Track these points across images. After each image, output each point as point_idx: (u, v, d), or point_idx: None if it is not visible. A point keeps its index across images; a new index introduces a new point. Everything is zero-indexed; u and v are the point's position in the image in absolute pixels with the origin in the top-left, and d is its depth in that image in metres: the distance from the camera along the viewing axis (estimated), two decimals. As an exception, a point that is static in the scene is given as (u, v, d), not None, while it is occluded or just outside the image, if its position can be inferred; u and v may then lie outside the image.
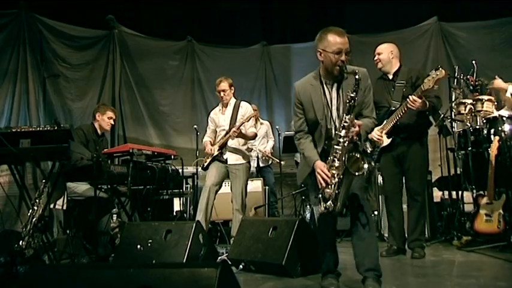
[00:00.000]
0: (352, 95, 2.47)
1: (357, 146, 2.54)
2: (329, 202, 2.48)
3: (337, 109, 2.62)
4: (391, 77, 3.90)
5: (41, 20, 6.90)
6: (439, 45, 7.60)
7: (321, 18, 8.22)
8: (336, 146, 2.50)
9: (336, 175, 2.48)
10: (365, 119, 2.63)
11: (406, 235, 3.88)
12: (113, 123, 4.67)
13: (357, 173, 2.43)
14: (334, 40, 2.55)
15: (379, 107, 3.73)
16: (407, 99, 3.59)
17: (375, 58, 3.95)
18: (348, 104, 2.48)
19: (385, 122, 3.79)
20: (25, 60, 6.68)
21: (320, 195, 2.53)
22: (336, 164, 2.48)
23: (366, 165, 2.44)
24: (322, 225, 2.76)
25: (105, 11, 7.44)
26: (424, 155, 3.86)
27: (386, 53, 3.90)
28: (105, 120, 4.56)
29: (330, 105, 2.64)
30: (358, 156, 2.46)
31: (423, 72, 3.85)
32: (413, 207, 3.82)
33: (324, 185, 2.51)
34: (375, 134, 3.76)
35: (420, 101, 3.55)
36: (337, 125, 2.57)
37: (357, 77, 2.47)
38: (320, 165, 2.55)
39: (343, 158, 2.45)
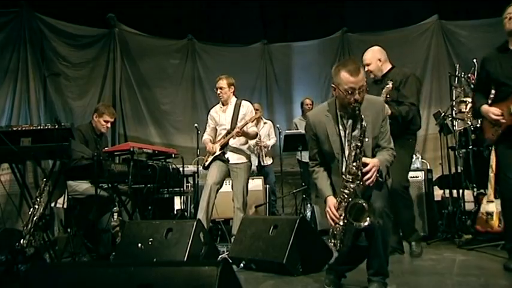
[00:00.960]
0: (358, 144, 2.43)
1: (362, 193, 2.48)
2: (335, 241, 2.48)
3: (348, 145, 2.57)
4: (381, 78, 3.82)
5: (41, 19, 6.90)
6: (440, 44, 7.60)
7: (321, 17, 8.23)
8: (342, 190, 2.47)
9: (342, 216, 2.46)
10: (383, 152, 2.58)
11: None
12: (109, 126, 4.60)
13: (357, 224, 2.39)
14: (347, 79, 2.46)
15: None
16: None
17: (365, 70, 3.79)
18: (354, 152, 2.44)
19: None
20: (26, 59, 6.69)
21: (330, 230, 2.53)
22: (343, 205, 2.46)
23: (368, 218, 2.37)
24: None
25: (105, 10, 7.45)
26: (404, 154, 3.70)
27: (375, 62, 3.81)
28: (101, 122, 4.53)
29: (345, 139, 2.58)
30: (364, 205, 2.39)
31: (410, 77, 3.74)
32: (402, 205, 3.77)
33: (332, 223, 2.50)
34: None
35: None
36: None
37: (364, 123, 2.42)
38: (330, 203, 2.53)
39: (347, 206, 2.43)
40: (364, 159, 2.46)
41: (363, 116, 2.45)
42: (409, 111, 3.66)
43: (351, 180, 2.45)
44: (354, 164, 2.44)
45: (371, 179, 2.43)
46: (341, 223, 2.46)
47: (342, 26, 8.13)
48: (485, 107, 3.21)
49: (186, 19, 8.27)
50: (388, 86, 3.62)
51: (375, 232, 2.46)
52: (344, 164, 2.54)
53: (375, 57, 3.83)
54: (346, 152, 2.54)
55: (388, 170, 2.59)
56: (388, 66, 3.85)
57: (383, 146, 2.61)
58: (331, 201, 2.54)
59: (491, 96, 3.34)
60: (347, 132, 2.57)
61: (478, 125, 4.64)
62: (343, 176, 2.48)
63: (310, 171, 2.79)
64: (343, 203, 2.47)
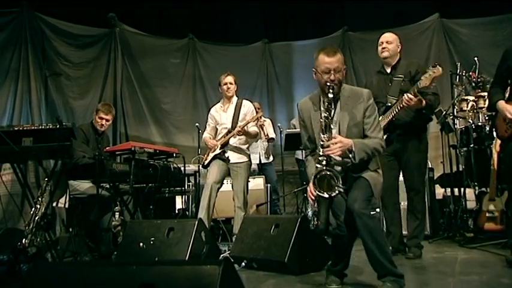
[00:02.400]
0: (325, 114, 2.51)
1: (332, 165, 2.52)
2: (315, 219, 2.51)
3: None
4: (389, 70, 3.74)
5: (42, 19, 6.91)
6: (441, 42, 7.58)
7: (322, 16, 8.22)
8: (317, 165, 2.51)
9: (316, 195, 2.50)
10: (367, 139, 2.60)
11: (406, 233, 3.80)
12: (104, 123, 4.59)
13: (326, 194, 2.44)
14: (323, 60, 2.58)
15: (375, 102, 3.62)
16: (403, 97, 3.44)
17: (383, 46, 3.74)
18: (323, 123, 2.51)
19: (380, 118, 3.58)
20: (27, 59, 6.69)
21: (311, 210, 2.58)
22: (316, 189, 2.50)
23: (339, 185, 2.42)
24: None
25: (106, 9, 7.45)
26: (422, 151, 3.70)
27: (396, 44, 3.76)
28: (96, 119, 4.53)
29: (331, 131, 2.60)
30: (331, 175, 2.44)
31: (423, 66, 3.69)
32: (412, 205, 3.72)
33: (311, 202, 2.55)
34: None
35: (416, 99, 3.41)
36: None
37: (330, 95, 2.50)
38: (310, 185, 2.55)
39: (315, 178, 2.46)
40: (335, 134, 2.52)
41: (332, 91, 2.52)
42: (436, 100, 3.64)
43: (321, 154, 2.50)
44: (324, 136, 2.49)
45: (331, 151, 2.45)
46: (316, 201, 2.50)
47: (342, 25, 8.12)
48: (502, 103, 3.11)
49: (186, 18, 8.27)
50: (402, 79, 3.57)
51: (360, 234, 2.47)
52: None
53: (397, 40, 3.80)
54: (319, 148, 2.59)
55: (368, 156, 2.56)
56: (398, 57, 3.77)
57: (370, 137, 2.61)
58: (311, 184, 2.55)
59: (508, 89, 3.24)
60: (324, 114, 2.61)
61: (480, 123, 4.65)
62: (317, 151, 2.55)
63: (306, 162, 2.83)
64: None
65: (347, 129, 2.59)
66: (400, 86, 3.62)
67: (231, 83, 4.54)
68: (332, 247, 2.77)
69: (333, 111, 2.59)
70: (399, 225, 3.81)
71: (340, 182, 2.44)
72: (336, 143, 2.47)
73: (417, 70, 3.63)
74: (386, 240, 2.60)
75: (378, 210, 4.82)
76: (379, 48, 3.78)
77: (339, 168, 2.58)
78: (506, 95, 3.19)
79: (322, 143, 2.50)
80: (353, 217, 2.47)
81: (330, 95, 2.53)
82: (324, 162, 2.48)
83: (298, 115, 2.81)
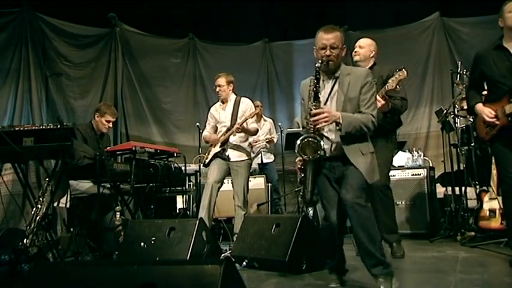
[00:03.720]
0: (313, 82, 2.56)
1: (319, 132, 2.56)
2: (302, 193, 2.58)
3: (325, 105, 2.64)
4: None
5: (43, 19, 6.91)
6: (442, 41, 7.57)
7: (322, 14, 8.20)
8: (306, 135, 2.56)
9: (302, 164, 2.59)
10: (358, 114, 2.61)
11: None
12: (110, 126, 4.60)
13: (310, 157, 2.50)
14: (320, 36, 2.63)
15: None
16: None
17: (355, 50, 3.85)
18: (311, 92, 2.55)
19: None
20: (27, 59, 6.70)
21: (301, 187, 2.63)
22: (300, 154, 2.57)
23: (320, 149, 2.48)
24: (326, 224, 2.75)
25: (106, 9, 7.45)
26: (389, 150, 3.76)
27: (368, 49, 3.83)
28: (103, 122, 4.53)
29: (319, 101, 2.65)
30: (314, 140, 2.50)
31: (395, 71, 3.71)
32: (380, 202, 3.72)
33: (299, 174, 2.61)
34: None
35: (383, 101, 3.48)
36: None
37: (317, 64, 2.55)
38: (298, 158, 2.61)
39: (299, 145, 2.52)
40: (322, 105, 2.56)
41: (326, 65, 2.57)
42: (402, 105, 3.72)
43: (307, 127, 2.55)
44: (312, 104, 2.53)
45: (317, 119, 2.48)
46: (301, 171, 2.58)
47: (343, 24, 8.09)
48: (479, 107, 3.19)
49: (187, 18, 8.28)
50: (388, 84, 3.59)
51: (352, 224, 2.52)
52: None
53: (369, 45, 3.86)
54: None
55: (357, 131, 2.57)
56: (372, 62, 3.84)
57: (363, 112, 2.62)
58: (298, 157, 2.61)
59: (484, 92, 3.32)
60: (326, 91, 2.66)
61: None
62: (306, 121, 2.60)
63: None
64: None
65: (342, 104, 2.61)
66: None
67: (219, 86, 4.55)
68: (325, 239, 2.82)
69: (332, 80, 2.65)
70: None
71: (323, 146, 2.51)
72: (322, 113, 2.50)
73: (388, 75, 3.69)
74: (378, 231, 2.60)
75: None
76: (354, 51, 3.87)
77: (326, 146, 2.61)
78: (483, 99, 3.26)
79: (309, 112, 2.53)
80: (346, 208, 2.51)
81: (317, 65, 2.56)
82: (311, 131, 2.53)
83: (300, 94, 2.85)
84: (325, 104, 2.63)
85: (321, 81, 2.66)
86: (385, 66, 3.87)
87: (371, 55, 3.83)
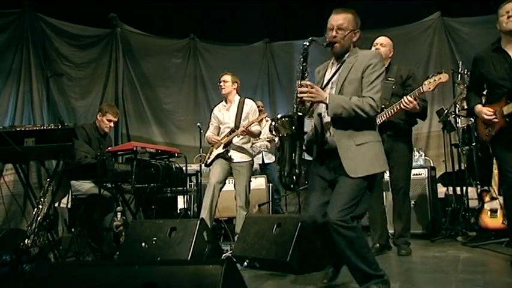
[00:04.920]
0: (300, 61, 2.50)
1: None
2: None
3: (323, 89, 2.52)
4: None
5: (44, 19, 6.91)
6: (443, 41, 7.56)
7: (323, 14, 8.19)
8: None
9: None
10: (354, 97, 2.40)
11: (392, 231, 3.87)
12: (112, 125, 4.61)
13: (285, 134, 2.43)
14: (330, 18, 2.56)
15: None
16: (403, 99, 3.50)
17: (376, 47, 3.79)
18: (300, 71, 2.48)
19: None
20: (28, 59, 6.70)
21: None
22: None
23: (290, 129, 2.43)
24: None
25: (107, 10, 7.45)
26: (409, 152, 3.81)
27: (388, 48, 3.81)
28: (104, 121, 4.54)
29: (323, 84, 2.57)
30: (287, 118, 2.45)
31: (414, 71, 3.78)
32: (398, 203, 3.76)
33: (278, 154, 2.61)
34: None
35: (415, 102, 3.46)
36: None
37: (306, 43, 2.49)
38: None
39: (276, 123, 2.47)
40: (310, 85, 2.42)
41: (307, 50, 2.52)
42: (426, 107, 3.74)
43: (294, 106, 2.49)
44: (298, 82, 2.47)
45: (303, 94, 2.40)
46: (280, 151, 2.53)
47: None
48: (478, 107, 3.19)
49: (187, 18, 8.27)
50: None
51: (338, 245, 2.31)
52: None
53: (390, 44, 3.86)
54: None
55: (348, 114, 2.36)
56: (388, 62, 3.83)
57: (364, 96, 2.42)
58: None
59: (484, 93, 3.32)
60: (330, 75, 2.56)
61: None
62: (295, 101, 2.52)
63: None
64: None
65: (340, 86, 2.46)
66: (392, 89, 3.68)
67: (224, 81, 4.55)
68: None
69: (338, 64, 2.54)
70: (385, 223, 3.89)
71: (296, 123, 2.43)
72: (310, 89, 2.39)
73: (408, 75, 3.72)
74: (368, 244, 2.45)
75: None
76: (373, 48, 3.81)
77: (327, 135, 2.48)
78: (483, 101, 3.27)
79: (297, 89, 2.45)
80: (328, 228, 2.30)
81: (306, 43, 2.50)
82: (295, 106, 2.46)
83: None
84: (324, 87, 2.50)
85: (329, 65, 2.61)
86: (402, 66, 3.88)
87: (390, 54, 3.82)
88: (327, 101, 2.36)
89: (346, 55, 2.52)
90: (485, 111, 3.11)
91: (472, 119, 4.64)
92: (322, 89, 2.49)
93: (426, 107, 3.72)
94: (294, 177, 2.43)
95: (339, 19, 2.49)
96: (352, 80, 2.44)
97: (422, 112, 3.67)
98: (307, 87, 2.39)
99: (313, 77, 2.71)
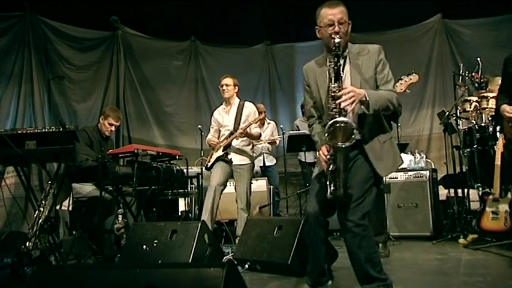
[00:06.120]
0: (334, 60, 2.27)
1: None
2: (332, 184, 2.23)
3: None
4: None
5: (45, 22, 6.94)
6: (444, 43, 7.57)
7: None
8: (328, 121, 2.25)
9: (331, 153, 2.26)
10: (381, 91, 2.37)
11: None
12: (113, 129, 4.61)
13: (343, 145, 2.18)
14: (325, 13, 2.40)
15: None
16: None
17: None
18: (331, 72, 2.27)
19: None
20: (30, 62, 6.72)
21: (328, 182, 2.27)
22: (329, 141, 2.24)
23: (354, 134, 2.16)
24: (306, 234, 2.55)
25: (108, 12, 7.47)
26: None
27: None
28: (105, 125, 4.55)
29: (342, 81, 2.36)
30: (346, 125, 2.17)
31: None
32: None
33: (325, 166, 2.28)
34: None
35: None
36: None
37: (336, 40, 2.25)
38: (322, 148, 2.32)
39: (329, 131, 2.19)
40: (346, 84, 2.26)
41: (338, 42, 2.27)
42: (399, 111, 3.70)
43: (333, 106, 2.23)
44: (334, 85, 2.25)
45: (345, 101, 2.18)
46: (331, 161, 2.25)
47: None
48: (503, 107, 3.20)
49: (188, 21, 8.29)
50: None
51: (347, 243, 2.30)
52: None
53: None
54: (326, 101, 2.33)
55: (384, 109, 2.32)
56: None
57: (383, 90, 2.39)
58: (324, 146, 2.33)
59: None
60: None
61: (483, 124, 4.64)
62: (327, 105, 2.30)
63: (309, 133, 2.63)
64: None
65: (360, 86, 2.34)
66: None
67: (227, 85, 4.56)
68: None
69: (342, 59, 2.35)
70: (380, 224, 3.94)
71: (355, 129, 2.20)
72: (348, 93, 2.20)
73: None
74: (375, 245, 2.42)
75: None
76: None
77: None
78: None
79: (332, 94, 2.24)
80: (340, 224, 2.30)
81: (337, 40, 2.27)
82: (338, 116, 2.22)
83: (303, 80, 2.61)
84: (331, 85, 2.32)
85: (327, 61, 2.39)
86: None
87: None
88: (367, 98, 2.25)
89: (347, 50, 2.45)
90: (508, 109, 3.13)
91: (473, 121, 4.65)
92: (328, 88, 2.35)
93: (399, 110, 3.68)
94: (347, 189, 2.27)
95: (338, 13, 2.39)
96: (368, 78, 2.40)
97: (394, 115, 3.65)
98: (348, 91, 2.21)
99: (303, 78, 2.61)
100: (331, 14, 2.38)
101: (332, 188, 2.25)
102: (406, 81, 3.50)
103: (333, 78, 2.28)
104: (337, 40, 2.27)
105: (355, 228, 2.27)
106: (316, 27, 2.47)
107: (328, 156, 2.28)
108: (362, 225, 2.29)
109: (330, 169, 2.26)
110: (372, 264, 2.32)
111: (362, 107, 2.28)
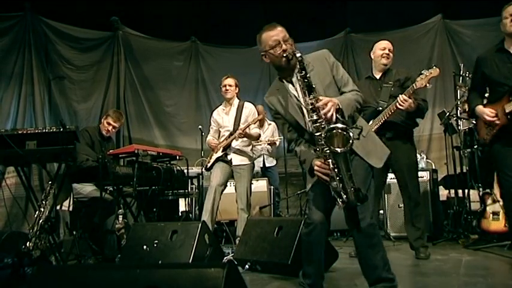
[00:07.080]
0: (301, 74, 2.25)
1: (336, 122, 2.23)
2: (342, 194, 2.24)
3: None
4: (378, 76, 3.83)
5: (45, 22, 6.95)
6: (444, 43, 7.57)
7: (324, 17, 8.21)
8: (316, 134, 2.25)
9: (332, 162, 2.23)
10: (342, 95, 2.39)
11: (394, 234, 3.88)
12: (111, 129, 4.62)
13: (342, 149, 2.16)
14: (268, 36, 2.45)
15: (365, 106, 3.56)
16: (397, 99, 3.51)
17: (386, 52, 3.77)
18: (304, 86, 2.26)
19: (371, 122, 3.64)
20: (30, 63, 6.73)
21: (333, 193, 2.27)
22: (327, 150, 2.22)
23: (351, 135, 2.14)
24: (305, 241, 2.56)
25: (109, 13, 7.48)
26: (411, 152, 3.78)
27: (393, 53, 3.85)
28: (104, 124, 4.57)
29: (299, 102, 2.40)
30: (339, 130, 2.16)
31: (413, 74, 3.74)
32: (410, 207, 3.73)
33: (327, 179, 2.27)
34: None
35: (410, 100, 3.47)
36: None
37: (298, 54, 2.26)
38: (317, 162, 2.32)
39: (324, 140, 2.18)
40: (320, 97, 2.24)
41: (290, 57, 2.32)
42: (425, 106, 3.73)
43: (316, 118, 2.23)
44: (310, 98, 2.23)
45: (329, 111, 2.18)
46: (335, 170, 2.22)
47: (344, 27, 8.11)
48: (479, 108, 3.21)
49: (189, 21, 8.29)
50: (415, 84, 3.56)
51: (358, 243, 2.33)
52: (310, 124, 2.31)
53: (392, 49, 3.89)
54: (307, 116, 2.33)
55: (351, 109, 2.33)
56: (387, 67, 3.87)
57: (346, 91, 2.41)
58: (317, 161, 2.32)
59: (487, 95, 3.33)
60: (298, 93, 2.38)
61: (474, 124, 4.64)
62: (309, 120, 2.28)
63: (295, 155, 2.59)
64: (325, 149, 2.22)
65: (324, 92, 2.35)
66: (390, 91, 3.70)
67: (229, 85, 4.55)
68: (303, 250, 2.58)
69: (284, 81, 2.42)
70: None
71: (351, 131, 2.18)
72: (326, 103, 2.20)
73: (406, 77, 3.73)
74: (382, 243, 2.42)
75: (381, 211, 4.82)
76: (380, 52, 3.80)
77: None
78: (485, 101, 3.28)
79: (311, 106, 2.23)
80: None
81: (298, 54, 2.27)
82: (325, 125, 2.21)
83: (270, 112, 2.59)
84: (305, 105, 2.32)
85: (285, 82, 2.45)
86: (400, 69, 3.90)
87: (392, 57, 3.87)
88: (340, 106, 2.26)
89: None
90: (488, 112, 3.12)
91: (473, 121, 4.65)
92: (300, 107, 2.40)
93: (425, 106, 3.69)
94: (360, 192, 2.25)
95: (280, 32, 2.44)
96: (329, 84, 2.42)
97: (418, 110, 3.63)
98: (327, 101, 2.22)
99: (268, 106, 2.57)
100: (275, 35, 2.43)
101: (341, 201, 2.25)
102: (426, 75, 3.47)
103: (306, 91, 2.27)
104: (298, 54, 2.28)
105: (368, 228, 2.30)
106: (262, 53, 2.50)
107: (329, 168, 2.26)
108: (373, 224, 2.33)
109: (334, 179, 2.25)
110: (383, 263, 2.35)
111: (337, 115, 2.27)
